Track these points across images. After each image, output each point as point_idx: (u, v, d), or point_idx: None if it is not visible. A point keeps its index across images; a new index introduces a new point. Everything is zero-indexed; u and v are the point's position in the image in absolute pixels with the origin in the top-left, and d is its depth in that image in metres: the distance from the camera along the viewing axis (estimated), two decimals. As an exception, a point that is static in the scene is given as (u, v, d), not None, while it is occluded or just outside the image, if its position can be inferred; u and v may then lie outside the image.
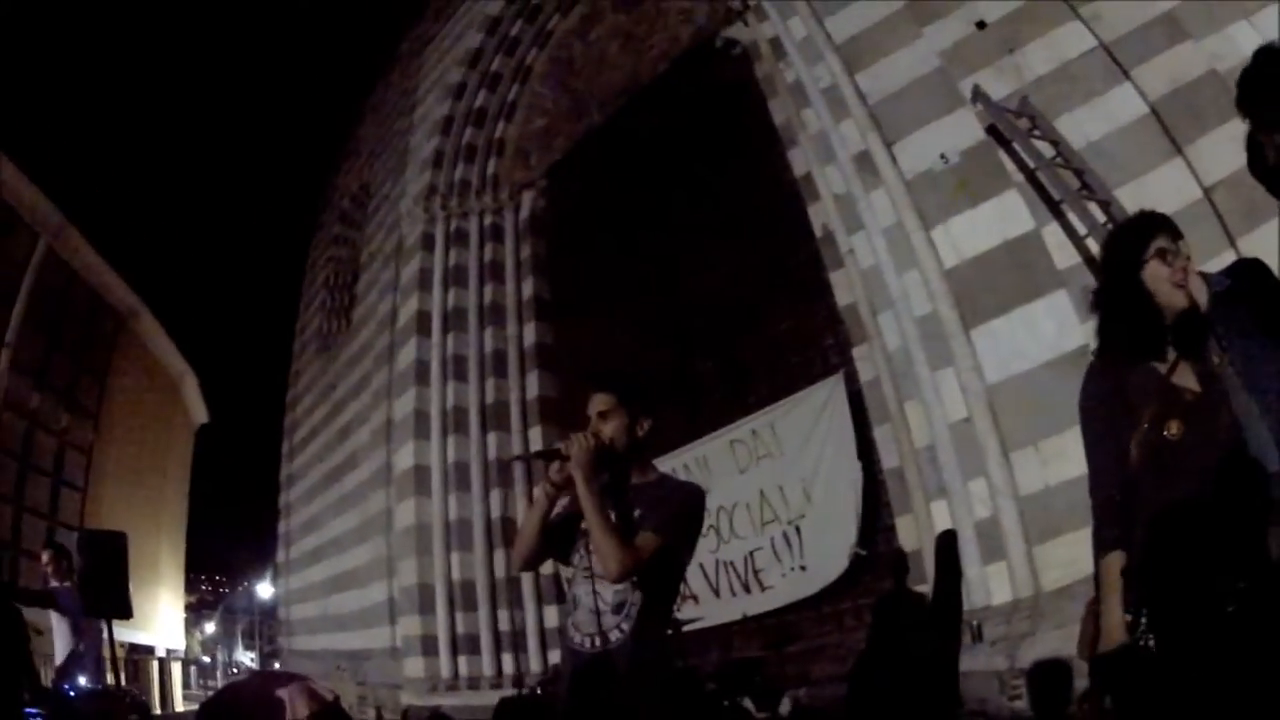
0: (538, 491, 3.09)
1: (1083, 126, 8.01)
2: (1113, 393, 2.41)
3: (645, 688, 2.84)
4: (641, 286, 14.16)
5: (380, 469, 16.87)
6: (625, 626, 2.90)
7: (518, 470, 14.63)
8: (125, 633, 21.66)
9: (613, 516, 2.93)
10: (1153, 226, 2.53)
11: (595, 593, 2.92)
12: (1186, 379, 2.35)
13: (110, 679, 8.34)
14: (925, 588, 8.39)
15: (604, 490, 2.98)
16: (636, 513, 2.99)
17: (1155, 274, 2.44)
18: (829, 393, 10.56)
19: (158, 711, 25.72)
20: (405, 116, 20.89)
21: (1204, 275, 3.55)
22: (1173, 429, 2.26)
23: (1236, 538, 2.06)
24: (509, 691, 11.70)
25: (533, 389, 15.73)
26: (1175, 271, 2.42)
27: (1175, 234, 2.50)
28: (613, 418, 3.07)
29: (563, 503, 3.10)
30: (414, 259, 17.14)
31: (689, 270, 13.26)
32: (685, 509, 3.04)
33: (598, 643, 2.90)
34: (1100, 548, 2.33)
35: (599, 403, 3.11)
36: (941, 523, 8.19)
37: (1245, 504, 2.09)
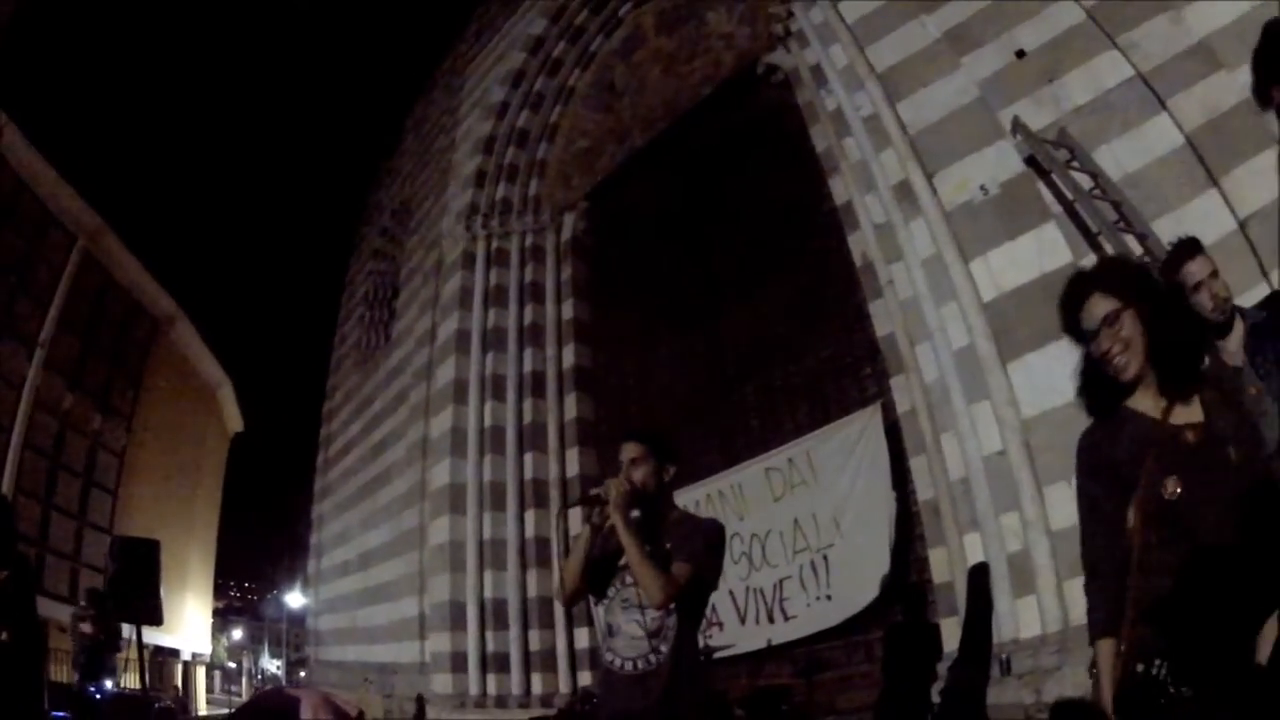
0: (582, 532, 3.33)
1: (1119, 158, 7.94)
2: (1108, 459, 2.19)
3: (682, 705, 3.11)
4: (681, 310, 14.22)
5: (415, 485, 16.98)
6: (663, 649, 3.17)
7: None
8: (151, 635, 21.82)
9: (648, 550, 3.18)
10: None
11: (636, 620, 3.20)
12: (1190, 413, 2.15)
13: (137, 683, 8.48)
14: (956, 620, 8.38)
15: (639, 527, 3.24)
16: (668, 546, 3.24)
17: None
18: (865, 423, 10.53)
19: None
20: (447, 134, 21.11)
21: (1239, 309, 3.55)
22: (1169, 487, 2.06)
23: (1267, 580, 1.96)
24: (538, 711, 11.73)
25: (570, 411, 15.74)
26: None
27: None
28: (642, 464, 3.36)
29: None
30: (454, 277, 17.29)
31: (728, 295, 13.33)
32: (712, 541, 3.34)
33: (640, 665, 3.16)
34: (1092, 630, 2.17)
35: (630, 450, 3.39)
36: (974, 555, 8.18)
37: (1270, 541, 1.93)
